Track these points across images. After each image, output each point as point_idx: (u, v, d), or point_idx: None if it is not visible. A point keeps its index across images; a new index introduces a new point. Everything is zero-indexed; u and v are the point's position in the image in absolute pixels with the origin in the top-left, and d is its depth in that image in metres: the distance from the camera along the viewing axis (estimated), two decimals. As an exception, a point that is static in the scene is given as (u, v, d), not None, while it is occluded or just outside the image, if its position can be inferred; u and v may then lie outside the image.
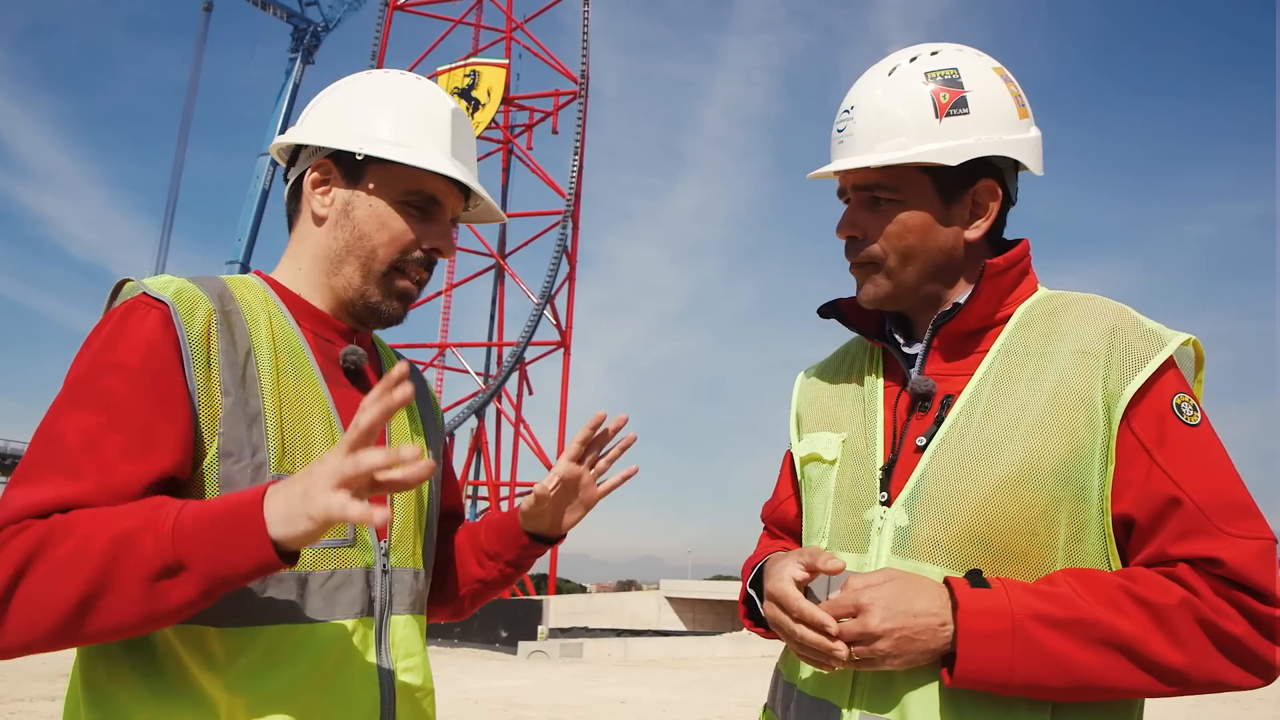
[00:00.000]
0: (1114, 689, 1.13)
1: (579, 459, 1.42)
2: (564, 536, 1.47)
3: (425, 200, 1.31)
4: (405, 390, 0.96)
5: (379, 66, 37.36)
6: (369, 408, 0.96)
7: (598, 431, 1.40)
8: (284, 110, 35.61)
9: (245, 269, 30.38)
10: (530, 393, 36.03)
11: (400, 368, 0.97)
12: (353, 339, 1.33)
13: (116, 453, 1.06)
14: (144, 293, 1.15)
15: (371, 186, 1.30)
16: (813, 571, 1.21)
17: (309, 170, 1.32)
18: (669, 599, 41.66)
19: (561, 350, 35.62)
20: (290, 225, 1.36)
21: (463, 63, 35.55)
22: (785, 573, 1.22)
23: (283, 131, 1.44)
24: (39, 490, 1.04)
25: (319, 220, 1.31)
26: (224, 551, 0.98)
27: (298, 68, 36.80)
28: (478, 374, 36.39)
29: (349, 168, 1.30)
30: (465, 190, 1.36)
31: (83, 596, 0.98)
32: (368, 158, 1.29)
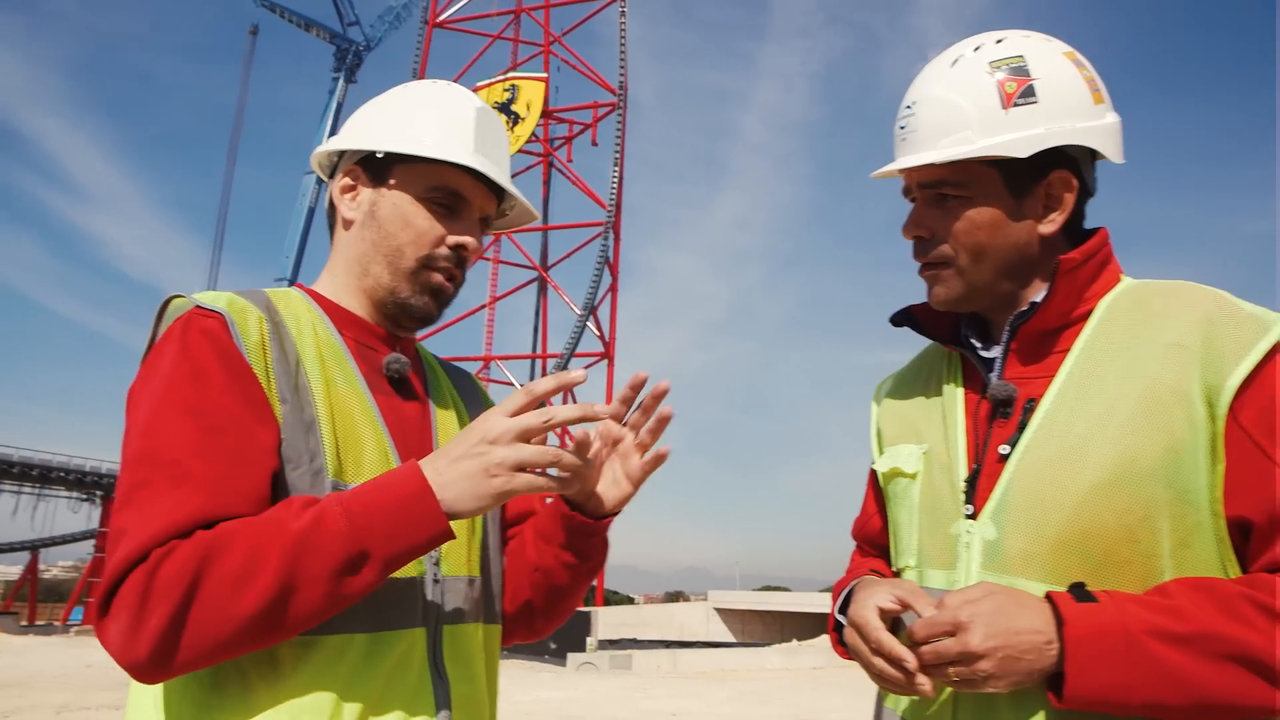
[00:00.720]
0: (1244, 707, 1.04)
1: (619, 418, 1.32)
2: (614, 514, 1.35)
3: (450, 196, 1.31)
4: (579, 373, 1.09)
5: (421, 74, 37.97)
6: (544, 380, 1.09)
7: (640, 393, 1.30)
8: (328, 128, 36.02)
9: (293, 285, 32.45)
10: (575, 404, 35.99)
11: (578, 374, 1.09)
12: (395, 346, 1.33)
13: (229, 457, 1.08)
14: (198, 306, 1.17)
15: (394, 184, 1.31)
16: (904, 606, 1.15)
17: (338, 176, 1.34)
18: (718, 610, 41.44)
19: (605, 361, 35.56)
20: (330, 237, 1.38)
21: (502, 77, 35.75)
22: (871, 600, 1.17)
23: None
24: (168, 508, 1.04)
25: (348, 224, 1.33)
26: (403, 536, 1.05)
27: (341, 86, 37.40)
28: (522, 386, 36.38)
29: (374, 169, 1.31)
30: (497, 192, 1.35)
31: (269, 602, 1.01)
32: (390, 156, 1.30)
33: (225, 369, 1.12)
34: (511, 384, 36.46)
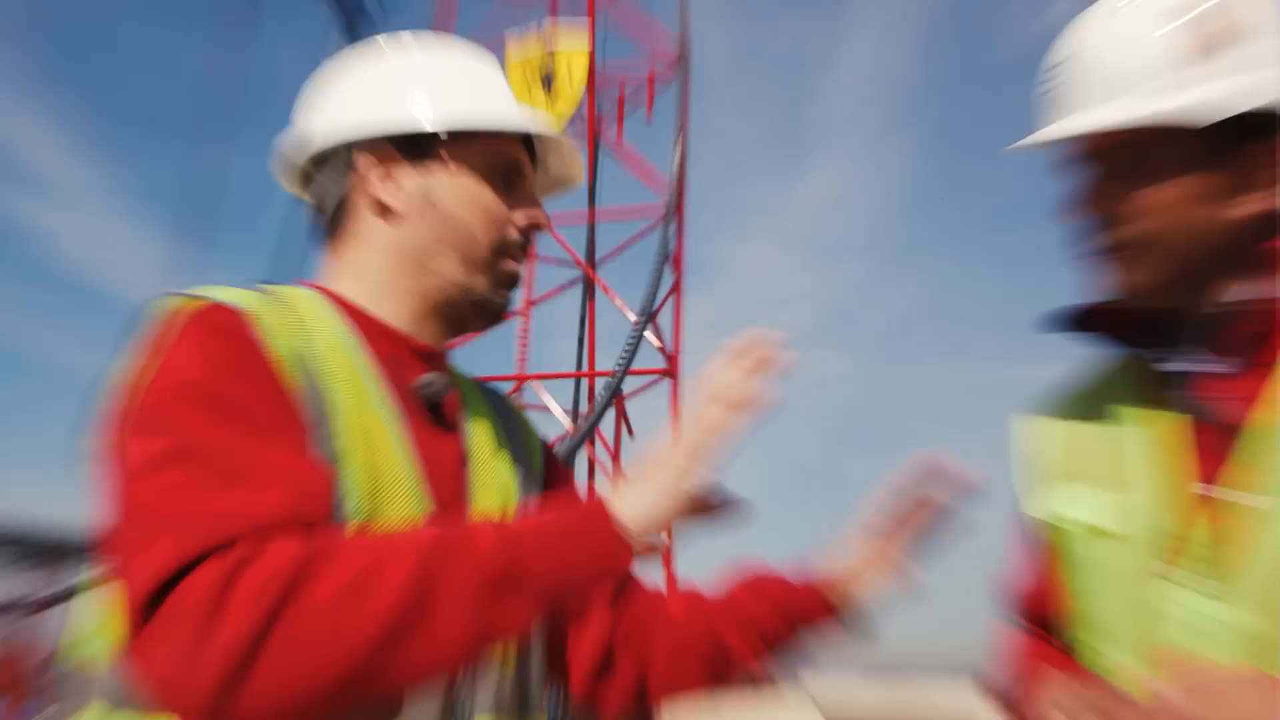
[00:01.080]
0: None
1: (918, 509, 1.40)
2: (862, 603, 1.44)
3: (510, 168, 1.37)
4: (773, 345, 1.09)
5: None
6: (732, 364, 1.10)
7: (933, 477, 1.38)
8: None
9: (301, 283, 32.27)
10: (631, 434, 34.55)
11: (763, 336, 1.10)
12: (430, 362, 1.34)
13: (290, 458, 1.05)
14: (210, 301, 1.15)
15: (451, 165, 1.34)
16: None
17: (364, 162, 1.34)
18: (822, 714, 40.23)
19: (668, 380, 34.59)
20: (330, 234, 1.38)
21: (538, 40, 35.80)
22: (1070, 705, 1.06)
23: None
24: (236, 502, 0.98)
25: (392, 216, 1.34)
26: (573, 554, 1.03)
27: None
28: (565, 412, 34.99)
29: (416, 149, 1.34)
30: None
31: (402, 608, 0.94)
32: (440, 134, 1.32)
33: (262, 370, 1.10)
34: (549, 409, 35.91)
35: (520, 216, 1.37)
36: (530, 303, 39.85)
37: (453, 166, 1.34)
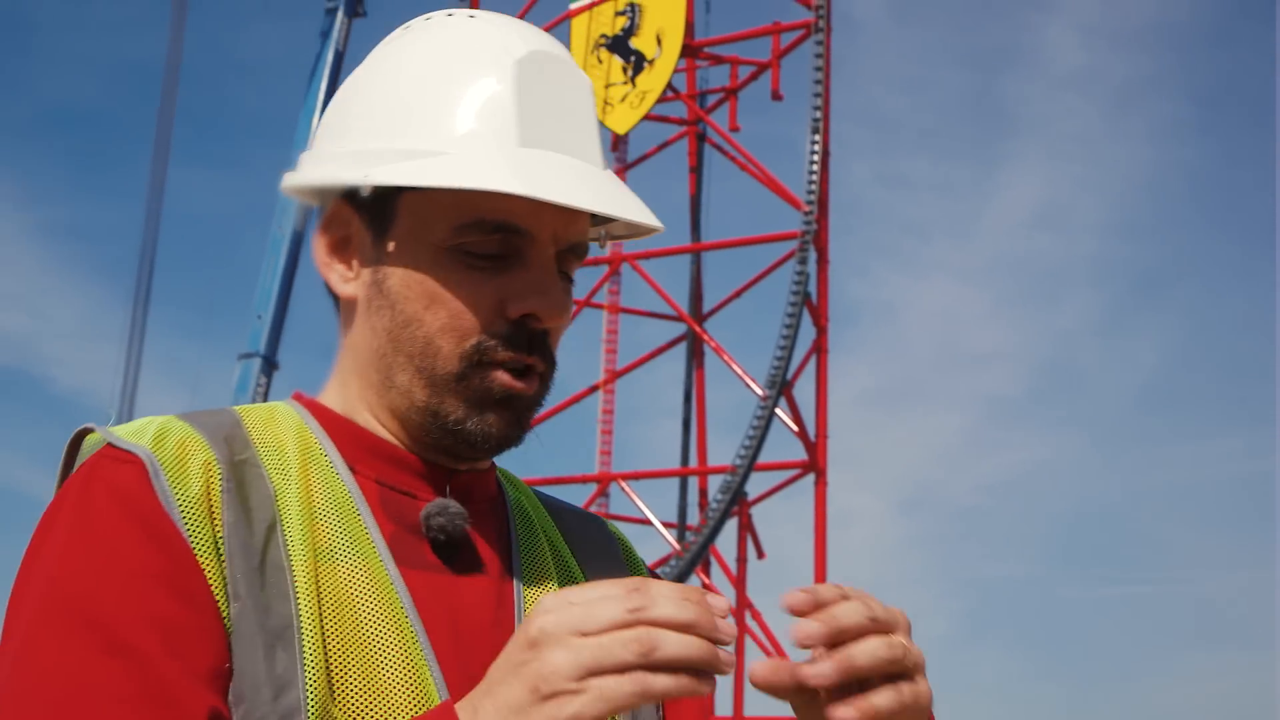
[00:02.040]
0: None
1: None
2: None
3: (497, 234, 1.18)
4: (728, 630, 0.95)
5: (474, 4, 30.71)
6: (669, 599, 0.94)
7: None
8: (321, 98, 29.24)
9: (269, 364, 26.12)
10: (760, 555, 28.04)
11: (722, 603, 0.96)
12: (447, 484, 1.23)
13: (141, 697, 1.00)
14: (109, 445, 1.10)
15: (402, 234, 1.19)
16: None
17: (318, 228, 1.26)
18: None
19: (812, 476, 27.89)
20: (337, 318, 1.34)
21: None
22: None
23: None
24: None
25: (349, 306, 1.25)
26: None
27: (340, 25, 30.92)
28: (665, 525, 28.90)
29: (372, 212, 1.21)
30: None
31: None
32: (394, 190, 1.19)
33: (143, 543, 1.06)
34: (647, 521, 28.41)
35: (512, 305, 1.17)
36: (613, 374, 33.14)
37: (405, 239, 1.18)
